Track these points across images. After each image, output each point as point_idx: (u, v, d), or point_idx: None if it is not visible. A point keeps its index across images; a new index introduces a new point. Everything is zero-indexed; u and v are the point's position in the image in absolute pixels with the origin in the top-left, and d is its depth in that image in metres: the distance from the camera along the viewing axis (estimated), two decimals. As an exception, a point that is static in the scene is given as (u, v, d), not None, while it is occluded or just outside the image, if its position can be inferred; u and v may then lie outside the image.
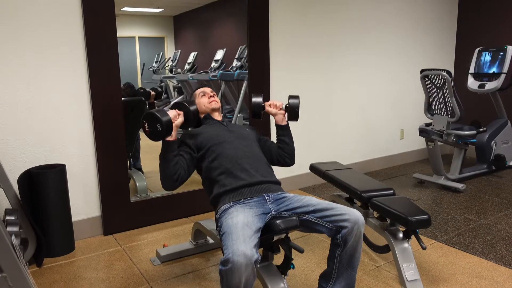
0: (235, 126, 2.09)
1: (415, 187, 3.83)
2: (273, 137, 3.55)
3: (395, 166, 4.63)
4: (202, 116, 2.13)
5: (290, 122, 2.12)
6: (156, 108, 3.66)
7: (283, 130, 2.10)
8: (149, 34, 5.84)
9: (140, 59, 5.78)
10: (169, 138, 1.82)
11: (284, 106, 2.09)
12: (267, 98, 3.44)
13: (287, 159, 2.11)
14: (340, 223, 1.66)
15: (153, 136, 1.81)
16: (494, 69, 3.86)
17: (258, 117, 2.10)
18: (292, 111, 2.05)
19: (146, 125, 1.81)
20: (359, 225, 1.66)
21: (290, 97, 2.06)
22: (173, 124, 1.82)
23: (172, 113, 1.86)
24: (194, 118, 1.98)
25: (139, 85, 5.61)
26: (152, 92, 3.76)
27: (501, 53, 3.83)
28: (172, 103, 2.01)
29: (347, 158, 4.16)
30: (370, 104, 4.28)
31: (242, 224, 1.57)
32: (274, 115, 2.09)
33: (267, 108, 2.09)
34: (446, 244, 2.62)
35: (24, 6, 2.40)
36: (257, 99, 2.07)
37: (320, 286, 1.83)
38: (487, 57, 3.95)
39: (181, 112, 1.91)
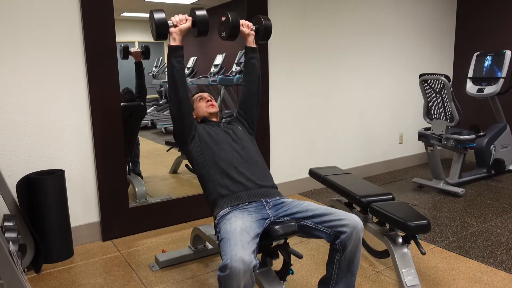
0: (229, 127, 2.08)
1: (414, 192, 3.83)
2: (273, 138, 3.55)
3: (394, 170, 4.62)
4: (199, 120, 2.14)
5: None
6: (143, 68, 3.59)
7: (254, 52, 2.09)
8: (148, 39, 5.86)
9: (139, 64, 5.78)
10: (172, 43, 1.84)
11: (254, 27, 2.08)
12: (266, 102, 3.44)
13: (257, 83, 2.11)
14: (339, 228, 1.66)
15: (152, 34, 1.83)
16: (492, 74, 3.87)
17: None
18: (266, 31, 2.06)
19: (150, 24, 1.84)
20: (358, 230, 1.66)
21: (261, 17, 2.06)
22: (177, 28, 1.84)
23: (178, 16, 1.86)
24: (202, 26, 1.90)
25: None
26: (138, 50, 3.62)
27: (499, 58, 3.84)
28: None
29: (346, 163, 4.16)
30: (369, 109, 4.28)
31: (240, 230, 1.57)
32: (247, 35, 2.06)
33: (242, 28, 2.04)
34: (445, 249, 2.61)
35: (23, 12, 2.40)
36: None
37: (319, 291, 1.83)
38: (485, 61, 3.96)
39: (190, 18, 1.89)
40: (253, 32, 2.07)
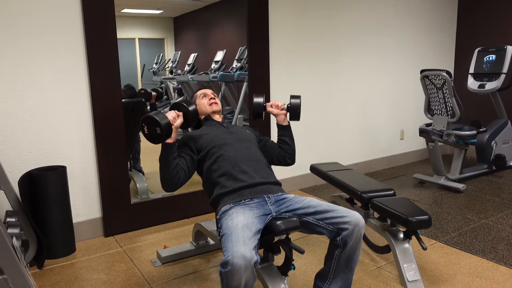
0: (235, 128, 2.09)
1: (415, 188, 3.83)
2: (274, 137, 3.55)
3: (395, 166, 4.63)
4: (202, 117, 2.13)
5: (291, 122, 2.13)
6: (157, 109, 3.65)
7: (285, 131, 2.10)
8: (149, 36, 5.85)
9: (140, 61, 5.78)
10: (168, 141, 1.82)
11: (285, 106, 2.09)
12: (267, 99, 3.45)
13: (288, 159, 2.12)
14: (341, 225, 1.66)
15: (152, 139, 1.81)
16: (494, 69, 3.86)
17: (259, 117, 2.10)
18: (294, 111, 2.06)
19: (145, 128, 1.80)
20: (360, 227, 1.66)
21: (292, 97, 2.06)
22: (173, 126, 1.82)
23: (171, 114, 1.85)
24: (193, 118, 1.97)
25: (139, 87, 5.61)
26: (154, 93, 3.77)
27: (501, 53, 3.83)
28: (171, 104, 1.98)
29: (347, 159, 4.16)
30: (370, 105, 4.28)
31: (242, 226, 1.57)
32: (275, 115, 2.10)
33: (269, 108, 2.09)
34: (446, 244, 2.62)
35: (25, 8, 2.40)
36: (259, 100, 2.07)
37: (316, 285, 1.83)
38: (487, 57, 3.95)
39: (180, 113, 1.90)
40: (283, 112, 2.08)
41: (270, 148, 2.12)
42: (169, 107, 2.05)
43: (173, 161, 1.83)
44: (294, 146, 2.12)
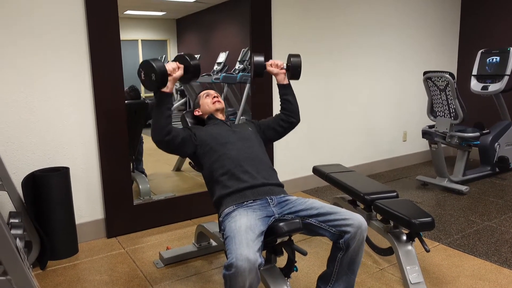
0: (238, 126, 2.09)
1: (418, 189, 3.82)
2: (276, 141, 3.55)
3: (398, 168, 4.62)
4: (205, 116, 2.14)
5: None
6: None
7: (286, 89, 2.10)
8: (152, 37, 5.87)
9: (143, 62, 5.79)
10: (164, 90, 1.80)
11: (284, 65, 2.08)
12: (269, 101, 3.45)
13: (292, 118, 2.10)
14: (343, 228, 1.66)
15: (147, 85, 1.78)
16: (497, 71, 3.85)
17: (260, 76, 2.06)
18: (294, 70, 2.04)
19: (142, 73, 1.77)
20: (362, 230, 1.66)
21: (291, 55, 2.06)
22: (171, 76, 1.80)
23: (171, 65, 1.82)
24: (194, 73, 1.89)
25: (143, 88, 5.63)
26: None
27: (504, 55, 3.82)
28: (175, 56, 1.95)
29: (350, 161, 4.16)
30: (373, 106, 4.28)
31: (245, 228, 1.57)
32: (275, 74, 2.08)
33: (269, 68, 2.07)
34: (449, 247, 2.61)
35: (28, 10, 2.41)
36: (259, 58, 2.02)
37: (318, 287, 1.83)
38: (490, 59, 3.94)
39: (181, 66, 1.86)
40: (282, 71, 2.07)
41: (270, 124, 2.12)
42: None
43: (166, 112, 1.80)
44: (297, 103, 2.11)
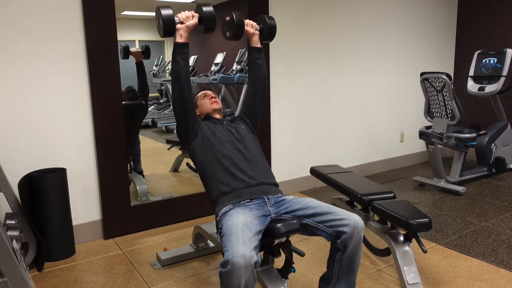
0: (233, 126, 2.08)
1: (415, 190, 3.83)
2: (274, 135, 3.56)
3: (395, 169, 4.63)
4: (203, 117, 2.14)
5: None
6: (144, 68, 3.59)
7: (259, 53, 2.07)
8: (149, 38, 5.86)
9: (140, 63, 5.78)
10: (178, 40, 1.82)
11: (259, 27, 2.06)
12: (268, 101, 3.45)
13: (262, 83, 2.09)
14: (340, 228, 1.66)
15: (158, 31, 1.81)
16: (493, 72, 3.87)
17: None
18: (271, 30, 2.03)
19: (156, 20, 1.82)
20: (359, 230, 1.66)
21: (266, 16, 2.05)
22: (184, 25, 1.81)
23: (185, 13, 1.84)
24: (209, 21, 1.87)
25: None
26: (139, 49, 3.62)
27: (501, 56, 3.84)
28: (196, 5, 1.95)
29: (347, 161, 4.16)
30: (370, 107, 4.28)
31: (242, 226, 1.58)
32: (251, 35, 2.04)
33: (246, 28, 2.01)
34: (447, 247, 2.62)
35: (25, 10, 2.40)
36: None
37: (321, 289, 1.84)
38: (486, 60, 3.96)
39: (196, 14, 1.86)
40: (257, 32, 2.05)
41: (246, 103, 2.12)
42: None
43: (181, 62, 1.82)
44: (266, 69, 2.11)
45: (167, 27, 1.79)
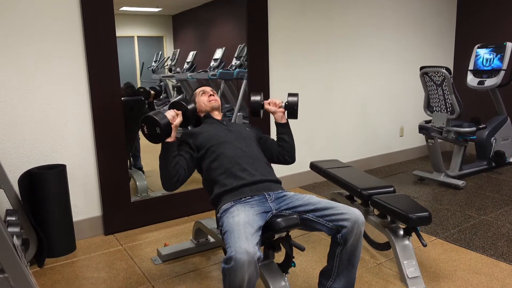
0: (234, 125, 2.09)
1: (415, 184, 3.84)
2: (273, 135, 3.56)
3: (395, 163, 4.63)
4: (202, 115, 2.13)
5: (290, 120, 2.12)
6: (155, 109, 3.68)
7: (283, 128, 2.10)
8: (148, 34, 5.84)
9: (139, 59, 5.77)
10: (168, 140, 1.83)
11: (283, 104, 2.08)
12: (266, 97, 3.44)
13: (287, 157, 2.10)
14: (340, 222, 1.66)
15: (152, 139, 1.82)
16: (493, 66, 3.86)
17: (257, 115, 2.10)
18: (291, 109, 2.05)
19: (145, 128, 1.81)
20: (359, 224, 1.66)
21: (289, 95, 2.06)
22: (172, 125, 1.83)
23: (170, 113, 1.85)
24: (193, 117, 1.97)
25: (139, 85, 5.60)
26: (152, 92, 3.79)
27: (500, 50, 3.83)
28: (170, 102, 2.00)
29: (347, 156, 4.17)
30: (369, 102, 4.28)
31: (243, 223, 1.58)
32: (273, 113, 2.09)
33: (267, 106, 2.08)
34: (446, 241, 2.62)
35: (23, 5, 2.39)
36: (256, 98, 2.07)
37: (321, 283, 1.84)
38: (486, 53, 3.95)
39: (179, 112, 1.90)
40: (280, 110, 2.07)
41: (270, 146, 2.11)
42: (168, 105, 2.05)
43: (173, 160, 1.82)
44: (294, 144, 2.11)
45: (168, 133, 1.81)
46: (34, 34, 2.45)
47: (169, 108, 1.93)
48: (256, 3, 3.27)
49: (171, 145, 1.83)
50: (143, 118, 1.81)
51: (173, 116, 1.86)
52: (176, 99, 1.93)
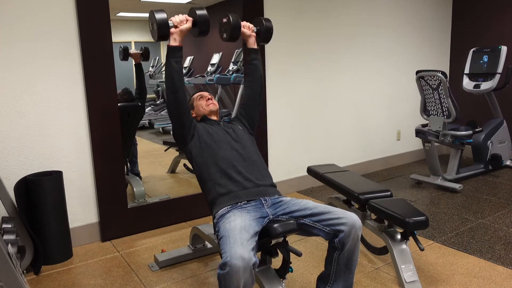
0: (230, 127, 2.08)
1: (412, 188, 3.84)
2: (271, 136, 3.55)
3: (392, 167, 4.63)
4: (199, 118, 2.14)
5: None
6: (142, 69, 3.58)
7: (255, 54, 2.09)
8: (145, 39, 5.85)
9: (136, 64, 5.77)
10: (172, 43, 1.83)
11: (255, 29, 2.08)
12: (264, 100, 3.44)
13: (259, 84, 2.10)
14: (337, 227, 1.66)
15: (152, 35, 1.81)
16: (488, 70, 3.88)
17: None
18: (267, 32, 2.06)
19: (150, 24, 1.82)
20: (356, 228, 1.66)
21: (262, 18, 2.06)
22: (178, 29, 1.82)
23: (179, 17, 1.84)
24: (202, 26, 1.87)
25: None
26: (138, 51, 3.60)
27: (496, 53, 3.85)
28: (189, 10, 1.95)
29: (344, 160, 4.17)
30: (366, 106, 4.29)
31: (239, 228, 1.58)
32: (248, 37, 2.06)
33: (243, 29, 2.03)
34: (444, 245, 2.62)
35: (19, 13, 2.39)
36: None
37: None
38: (481, 57, 3.97)
39: (190, 18, 1.86)
40: (254, 34, 2.07)
41: (243, 103, 2.13)
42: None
43: (175, 65, 1.82)
44: (262, 70, 2.13)
45: (162, 31, 1.79)
46: (29, 41, 2.44)
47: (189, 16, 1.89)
48: (252, 7, 3.28)
49: (174, 49, 1.83)
50: (150, 11, 1.81)
51: (182, 20, 1.84)
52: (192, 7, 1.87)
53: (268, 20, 2.07)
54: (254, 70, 2.09)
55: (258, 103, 2.13)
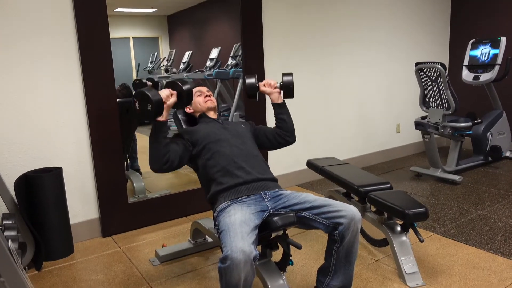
0: (230, 124, 2.09)
1: (412, 181, 3.84)
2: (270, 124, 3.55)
3: (392, 160, 4.64)
4: (197, 115, 2.14)
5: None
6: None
7: (281, 108, 2.09)
8: (143, 35, 5.83)
9: (135, 60, 5.76)
10: (160, 118, 1.78)
11: (278, 84, 2.08)
12: (262, 96, 3.43)
13: (288, 137, 2.10)
14: (337, 219, 1.67)
15: (143, 116, 1.76)
16: (488, 61, 3.87)
17: (253, 98, 2.08)
18: (287, 88, 2.05)
19: (136, 104, 1.76)
20: (356, 221, 1.67)
21: (284, 74, 2.06)
22: (165, 104, 1.79)
23: (164, 92, 1.81)
24: (187, 98, 1.88)
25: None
26: (149, 83, 3.72)
27: (495, 44, 3.84)
28: (166, 82, 1.96)
29: (343, 153, 4.17)
30: (365, 99, 4.28)
31: (240, 222, 1.58)
32: (269, 94, 2.08)
33: (262, 88, 2.07)
34: (444, 236, 2.63)
35: (15, 9, 2.38)
36: (251, 80, 2.04)
37: (318, 280, 1.85)
38: (481, 48, 3.96)
39: (174, 92, 1.85)
40: (276, 90, 2.07)
41: (266, 133, 2.10)
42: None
43: (163, 140, 1.79)
44: (292, 122, 2.10)
45: (158, 110, 1.76)
46: (27, 38, 2.44)
47: (165, 87, 1.87)
48: (250, 1, 3.26)
49: (162, 125, 1.79)
50: (135, 93, 1.76)
51: (167, 95, 1.81)
52: (172, 80, 1.85)
53: (288, 75, 2.05)
54: (283, 124, 2.08)
55: (277, 147, 2.13)
